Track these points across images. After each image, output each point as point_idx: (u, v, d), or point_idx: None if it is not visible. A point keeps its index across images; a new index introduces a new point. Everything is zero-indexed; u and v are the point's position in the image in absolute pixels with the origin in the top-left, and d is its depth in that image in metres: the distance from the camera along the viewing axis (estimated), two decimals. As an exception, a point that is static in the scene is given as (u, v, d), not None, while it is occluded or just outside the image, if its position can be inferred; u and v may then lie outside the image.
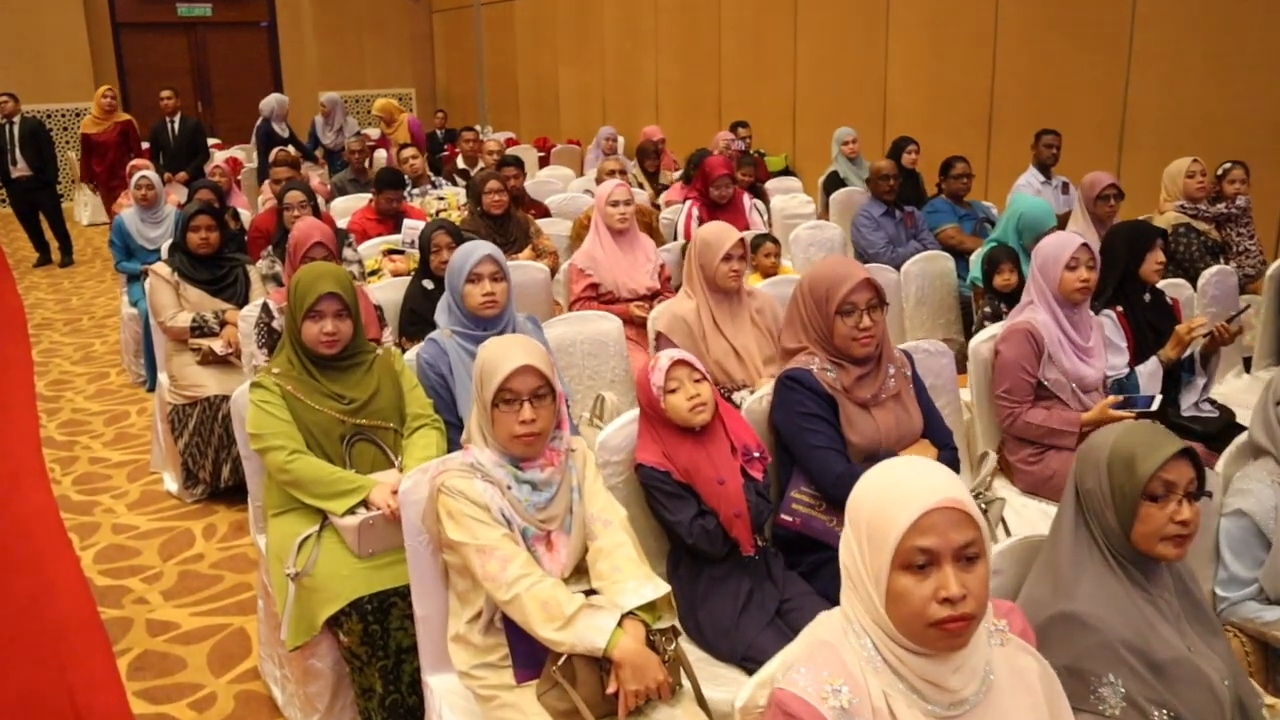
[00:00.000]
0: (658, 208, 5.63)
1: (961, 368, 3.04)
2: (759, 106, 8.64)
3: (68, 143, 11.41)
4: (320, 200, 4.84)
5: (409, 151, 6.02)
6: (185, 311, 3.83)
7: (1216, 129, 5.43)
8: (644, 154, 6.79)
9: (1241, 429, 2.39)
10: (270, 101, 8.27)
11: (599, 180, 5.00)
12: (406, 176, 5.65)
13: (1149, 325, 3.19)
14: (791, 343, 2.39)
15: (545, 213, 5.42)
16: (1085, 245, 2.86)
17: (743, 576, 2.12)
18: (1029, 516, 2.73)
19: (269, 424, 2.33)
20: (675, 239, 4.91)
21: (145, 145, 8.10)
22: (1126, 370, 3.08)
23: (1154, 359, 3.09)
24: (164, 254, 4.94)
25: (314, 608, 2.22)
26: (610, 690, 1.70)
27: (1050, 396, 2.82)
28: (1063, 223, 4.50)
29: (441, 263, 3.38)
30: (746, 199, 5.16)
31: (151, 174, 5.44)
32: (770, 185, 6.51)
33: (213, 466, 3.71)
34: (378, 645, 2.21)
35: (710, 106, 9.44)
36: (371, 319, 3.26)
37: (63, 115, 11.55)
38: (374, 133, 10.27)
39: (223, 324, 3.82)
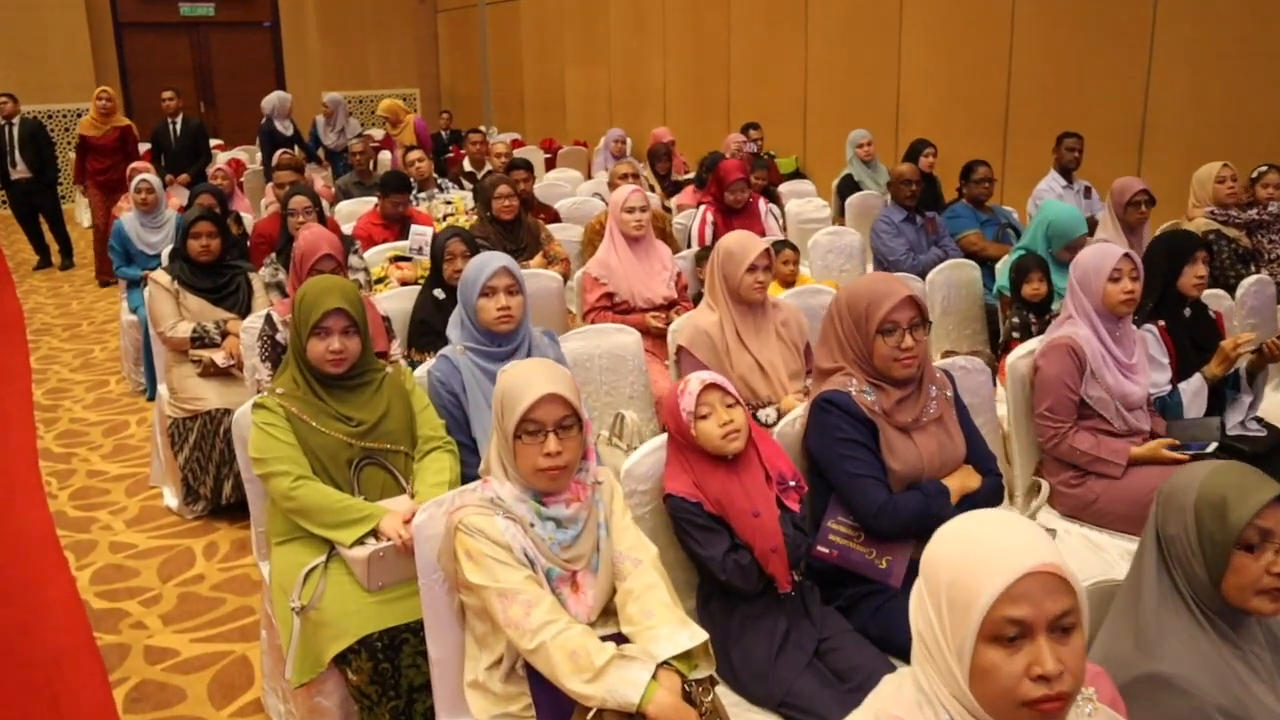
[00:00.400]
0: (668, 210, 5.50)
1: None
2: (769, 107, 8.49)
3: (69, 144, 11.26)
4: (325, 204, 4.70)
5: (415, 154, 5.88)
6: (185, 321, 3.70)
7: (1242, 131, 5.28)
8: (655, 156, 6.65)
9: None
10: (271, 99, 8.15)
11: (612, 185, 4.87)
12: (412, 180, 5.52)
13: (1190, 340, 3.06)
14: (827, 362, 2.26)
15: (555, 217, 5.29)
16: (1128, 255, 2.73)
17: (779, 614, 1.98)
18: (1072, 544, 2.60)
19: (272, 447, 2.20)
20: (689, 245, 4.78)
21: (146, 148, 7.97)
22: (1169, 388, 2.95)
23: (1198, 376, 2.95)
24: (164, 260, 4.82)
25: (320, 644, 2.08)
26: (643, 747, 1.57)
27: (1093, 415, 2.69)
28: (1089, 229, 4.36)
29: (455, 272, 3.25)
30: (762, 204, 5.02)
31: (152, 177, 5.31)
32: (783, 189, 6.37)
33: (214, 483, 3.58)
34: (388, 684, 2.07)
35: (719, 107, 9.29)
36: (379, 330, 3.13)
37: (64, 116, 11.43)
38: (377, 133, 10.15)
39: (224, 335, 3.69)
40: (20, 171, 7.85)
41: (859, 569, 2.12)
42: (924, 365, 2.20)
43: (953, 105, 6.96)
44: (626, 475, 2.03)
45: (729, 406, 1.99)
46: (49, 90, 11.09)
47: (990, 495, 2.23)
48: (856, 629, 2.06)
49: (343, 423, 2.27)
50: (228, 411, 3.55)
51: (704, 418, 1.98)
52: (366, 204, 5.81)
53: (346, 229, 4.74)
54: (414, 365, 3.24)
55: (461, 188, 6.08)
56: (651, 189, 6.40)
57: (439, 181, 5.96)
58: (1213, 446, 2.57)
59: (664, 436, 2.09)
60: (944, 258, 4.67)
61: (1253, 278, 3.78)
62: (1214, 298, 3.40)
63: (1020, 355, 2.85)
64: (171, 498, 3.78)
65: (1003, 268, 4.07)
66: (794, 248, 4.28)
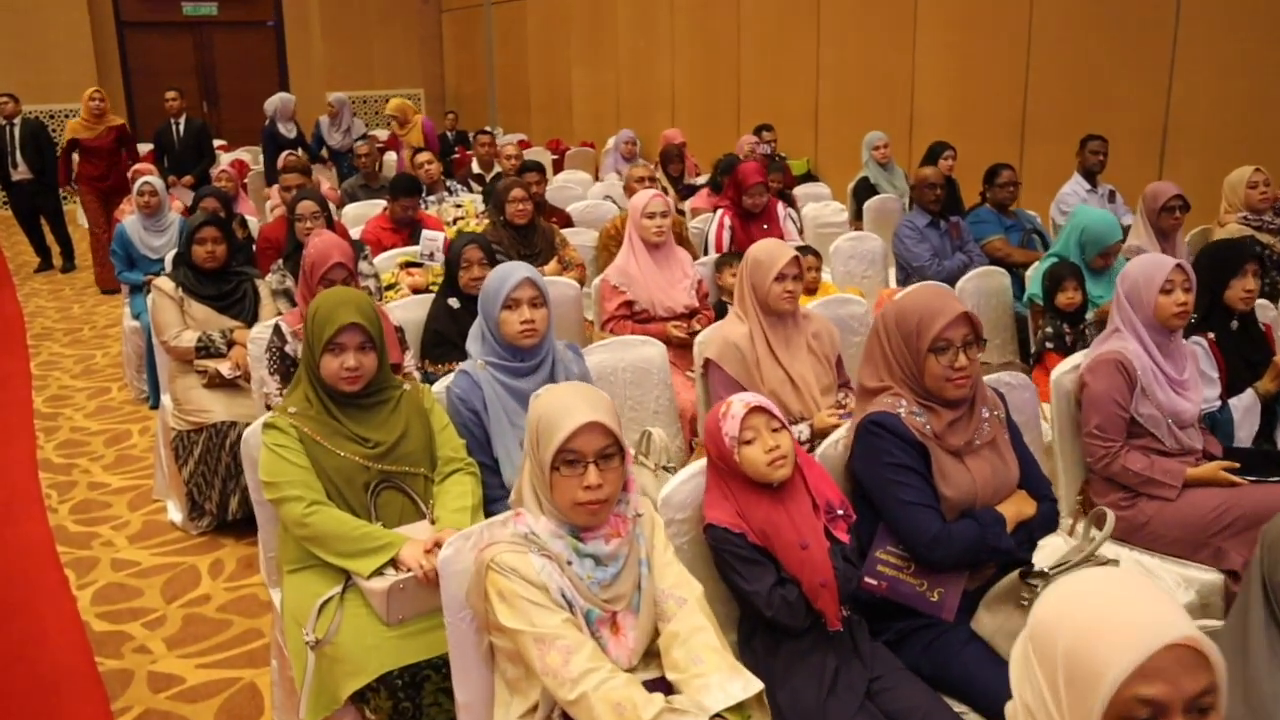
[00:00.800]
0: (681, 214, 5.37)
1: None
2: (779, 108, 8.36)
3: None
4: (332, 208, 4.57)
5: (424, 156, 5.76)
6: (190, 330, 3.58)
7: (1268, 134, 5.15)
8: (667, 158, 6.52)
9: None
10: (274, 101, 8.02)
11: (628, 188, 4.74)
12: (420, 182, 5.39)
13: (1239, 355, 2.93)
14: (872, 381, 2.13)
15: (567, 221, 5.17)
16: (1179, 266, 2.60)
17: (827, 652, 1.85)
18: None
19: (284, 470, 2.08)
20: (706, 250, 4.65)
21: (148, 148, 7.84)
22: (1219, 404, 2.82)
23: (1250, 392, 2.83)
24: (168, 265, 4.70)
25: (336, 680, 1.96)
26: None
27: (1144, 434, 2.56)
28: (1121, 235, 4.23)
29: (472, 279, 3.12)
30: (780, 208, 4.89)
31: (155, 180, 5.18)
32: (798, 192, 6.23)
33: (219, 497, 3.45)
34: (409, 723, 1.95)
35: (728, 108, 9.16)
36: (392, 341, 3.00)
37: (65, 116, 11.26)
38: (381, 134, 10.03)
39: (230, 344, 3.56)
40: (21, 172, 7.73)
41: (909, 602, 2.00)
42: (976, 385, 2.08)
43: (969, 106, 6.83)
44: (664, 504, 1.90)
45: (775, 431, 1.86)
46: (50, 90, 10.97)
47: (1046, 523, 2.11)
48: (907, 666, 1.94)
49: (359, 444, 2.15)
50: (234, 424, 3.43)
51: (748, 443, 1.85)
52: (373, 207, 5.69)
53: (354, 233, 4.62)
54: (428, 377, 3.13)
55: (470, 190, 5.96)
56: (664, 191, 6.27)
57: (447, 184, 5.84)
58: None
59: (702, 462, 1.96)
60: (969, 264, 4.55)
61: (1298, 287, 3.66)
62: (1261, 309, 3.27)
63: (1065, 370, 2.72)
64: (175, 512, 3.66)
65: (1034, 275, 3.94)
66: (816, 254, 4.16)
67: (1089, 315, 3.66)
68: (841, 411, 2.78)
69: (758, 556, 1.84)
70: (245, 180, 7.25)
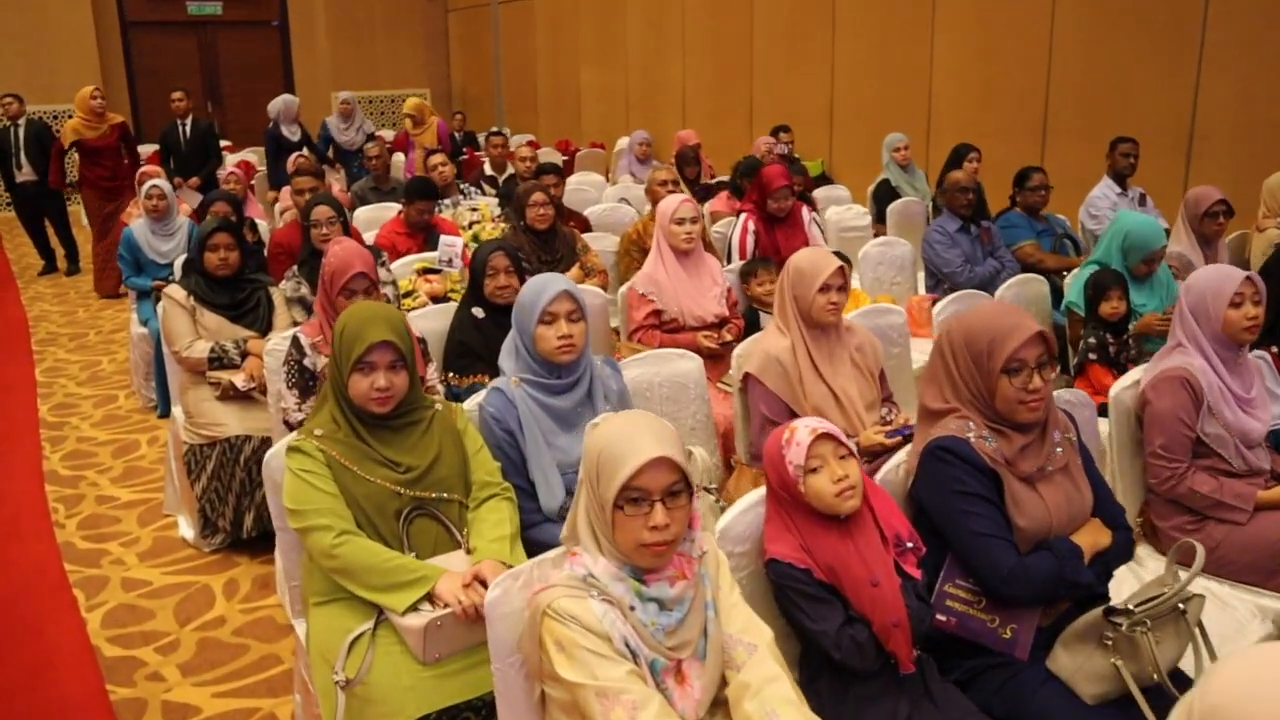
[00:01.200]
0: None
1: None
2: (793, 108, 8.22)
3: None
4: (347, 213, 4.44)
5: (438, 158, 5.62)
6: (202, 340, 3.45)
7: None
8: (683, 161, 6.38)
9: None
10: (278, 103, 7.91)
11: (650, 192, 4.61)
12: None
13: (1302, 367, 2.81)
14: (936, 403, 2.00)
15: (586, 225, 5.04)
16: (1250, 278, 2.47)
17: (899, 696, 1.73)
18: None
19: (311, 498, 1.95)
20: (729, 256, 4.52)
21: (152, 149, 7.71)
22: (1285, 421, 2.69)
23: (1317, 408, 2.70)
24: (177, 270, 4.57)
25: (368, 723, 1.83)
26: None
27: (1210, 454, 2.44)
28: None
29: (498, 288, 3.00)
30: (805, 212, 4.76)
31: (163, 183, 5.06)
32: (816, 195, 6.10)
33: (233, 514, 3.32)
34: (446, 769, 1.82)
35: (741, 109, 9.03)
36: (416, 354, 2.87)
37: (69, 117, 11.15)
38: (387, 134, 9.90)
39: (244, 355, 3.44)
40: (26, 174, 7.62)
41: (980, 639, 1.87)
42: (1049, 407, 1.95)
43: (988, 106, 6.69)
44: (721, 536, 1.77)
45: (842, 459, 1.74)
46: (54, 90, 10.83)
47: (1122, 553, 1.98)
48: (979, 707, 1.81)
49: (390, 469, 2.02)
50: (248, 438, 3.31)
51: (814, 471, 1.72)
52: (385, 210, 5.57)
53: (367, 238, 4.49)
54: (452, 390, 3.00)
55: (483, 193, 5.83)
56: (679, 194, 6.14)
57: (461, 187, 5.71)
58: None
59: (761, 491, 1.84)
60: (1000, 270, 4.43)
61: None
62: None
63: (1125, 386, 2.60)
64: (187, 528, 3.53)
65: (1073, 283, 3.81)
66: (847, 260, 4.02)
67: (1131, 325, 3.54)
68: (889, 429, 2.66)
69: (824, 594, 1.71)
70: (252, 182, 7.13)
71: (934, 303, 4.40)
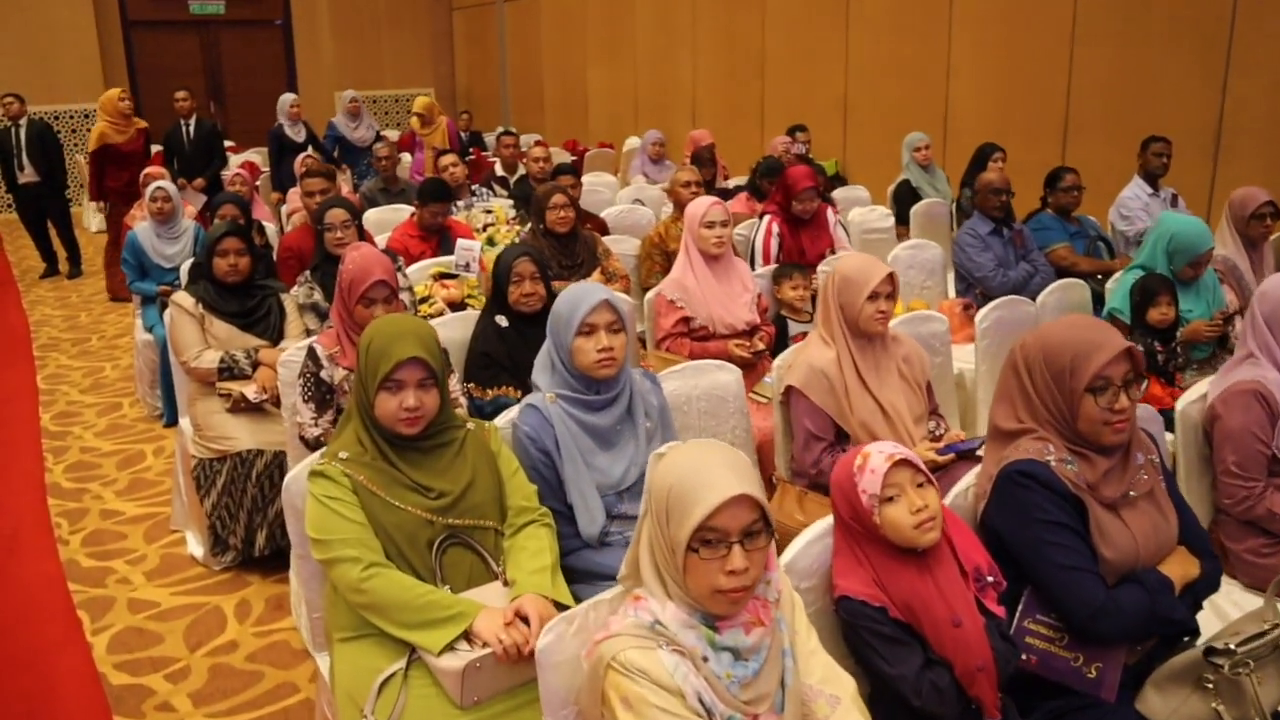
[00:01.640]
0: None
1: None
2: (806, 107, 8.07)
3: (76, 145, 10.90)
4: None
5: (449, 158, 5.48)
6: (211, 350, 3.30)
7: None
8: (698, 162, 6.24)
9: None
10: (281, 103, 7.78)
11: (673, 193, 4.47)
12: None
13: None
14: (1009, 423, 1.86)
15: (603, 228, 4.89)
16: (1329, 285, 2.33)
17: (981, 745, 1.59)
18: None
19: (337, 527, 1.80)
20: (753, 260, 4.37)
21: (156, 149, 7.57)
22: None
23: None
24: (183, 275, 4.43)
25: (400, 771, 1.69)
26: None
27: (1284, 472, 2.29)
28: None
29: (523, 295, 2.86)
30: (830, 214, 4.62)
31: (168, 185, 4.91)
32: (836, 196, 5.95)
33: (245, 532, 3.18)
34: (485, 822, 1.68)
35: (752, 108, 8.88)
36: (437, 365, 2.73)
37: (70, 117, 11.04)
38: (392, 134, 9.76)
39: (255, 365, 3.29)
40: (28, 175, 7.48)
41: (1063, 678, 1.73)
42: (1132, 427, 1.81)
43: (1008, 105, 6.54)
44: (785, 570, 1.63)
45: (920, 487, 1.59)
46: (55, 91, 10.70)
47: (1211, 584, 1.84)
48: (1062, 756, 1.67)
49: (421, 494, 1.87)
50: (260, 452, 3.17)
51: (890, 501, 1.58)
52: (395, 212, 5.43)
53: (378, 241, 4.34)
54: (474, 403, 2.86)
55: (495, 194, 5.69)
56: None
57: (473, 188, 5.56)
58: None
59: (828, 521, 1.69)
60: (1033, 274, 4.28)
61: None
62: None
63: (1191, 400, 2.45)
64: (196, 545, 3.39)
65: (1115, 288, 3.66)
66: (878, 264, 3.88)
67: (1178, 332, 3.40)
68: (940, 445, 2.52)
69: (902, 635, 1.57)
70: (257, 184, 6.99)
71: (965, 307, 4.27)
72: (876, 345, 2.58)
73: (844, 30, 7.78)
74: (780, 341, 3.64)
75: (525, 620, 1.72)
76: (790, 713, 1.36)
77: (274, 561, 3.21)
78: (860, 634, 1.58)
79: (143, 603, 3.12)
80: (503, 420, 2.20)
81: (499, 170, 6.50)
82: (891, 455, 1.59)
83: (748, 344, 3.31)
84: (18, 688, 2.66)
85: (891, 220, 5.41)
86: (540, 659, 1.43)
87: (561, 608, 1.81)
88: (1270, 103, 5.14)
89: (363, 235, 3.71)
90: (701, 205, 3.40)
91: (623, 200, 6.08)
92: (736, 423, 2.65)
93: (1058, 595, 1.70)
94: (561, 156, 8.69)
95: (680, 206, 4.32)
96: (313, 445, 2.71)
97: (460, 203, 5.08)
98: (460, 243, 3.96)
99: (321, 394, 2.70)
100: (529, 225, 4.57)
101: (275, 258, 4.39)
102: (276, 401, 3.12)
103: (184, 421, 3.46)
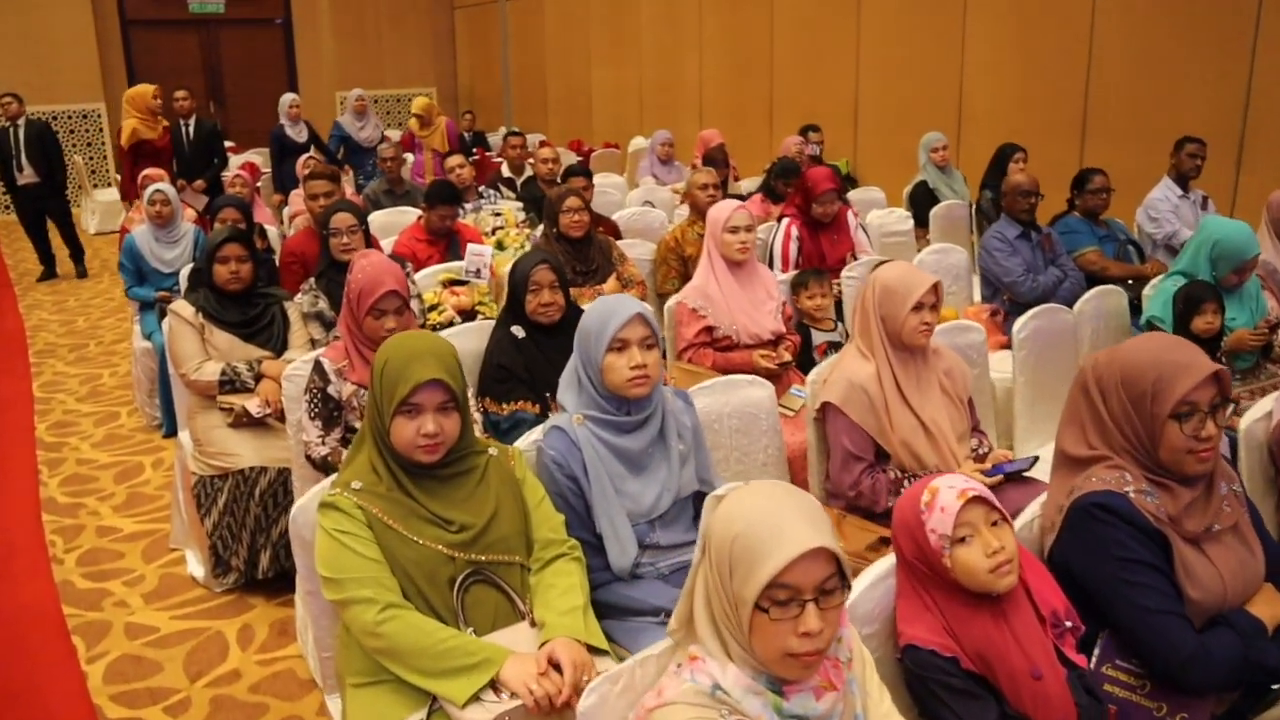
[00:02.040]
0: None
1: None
2: (816, 107, 7.92)
3: (73, 146, 10.75)
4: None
5: (455, 160, 5.34)
6: (212, 361, 3.15)
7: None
8: (711, 163, 6.08)
9: None
10: (281, 103, 7.63)
11: (690, 195, 4.31)
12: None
13: None
14: (1079, 449, 1.71)
15: (615, 231, 4.74)
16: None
17: (1062, 810, 1.44)
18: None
19: (349, 564, 1.65)
20: (771, 264, 4.23)
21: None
22: None
23: None
24: (182, 280, 4.28)
25: (421, 830, 1.54)
26: None
27: (1360, 496, 2.15)
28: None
29: (541, 305, 2.71)
30: (851, 216, 4.47)
31: (166, 187, 4.75)
32: (851, 197, 5.80)
33: (248, 553, 3.03)
34: None
35: (760, 107, 8.73)
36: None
37: (69, 117, 10.89)
38: (394, 134, 9.61)
39: (258, 377, 3.14)
40: (27, 176, 7.36)
41: (1144, 732, 1.58)
42: (1216, 455, 1.66)
43: (1024, 104, 6.38)
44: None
45: (994, 525, 1.45)
46: (53, 90, 10.55)
47: (1300, 625, 1.69)
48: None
49: (441, 528, 1.73)
50: (264, 469, 3.02)
51: (963, 542, 1.43)
52: (400, 214, 5.29)
53: (384, 245, 4.19)
54: (490, 418, 2.71)
55: (502, 196, 5.54)
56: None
57: (480, 190, 5.42)
58: None
59: (890, 561, 1.54)
60: (1063, 279, 4.14)
61: None
62: None
63: (1255, 419, 2.31)
64: (196, 565, 3.24)
65: (1153, 295, 3.52)
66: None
67: (1223, 341, 3.25)
68: (987, 466, 2.38)
69: (976, 688, 1.42)
70: (258, 185, 6.84)
71: (993, 313, 4.13)
72: (918, 358, 2.43)
73: (855, 26, 7.63)
74: (804, 351, 3.50)
75: (558, 668, 1.57)
76: (865, 786, 1.22)
77: (278, 583, 3.07)
78: (929, 687, 1.44)
79: (141, 627, 2.97)
80: (525, 442, 2.06)
81: (505, 171, 6.36)
82: (964, 491, 1.44)
83: (773, 354, 3.16)
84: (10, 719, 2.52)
85: (911, 223, 5.27)
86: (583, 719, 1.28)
87: (595, 651, 1.67)
88: (1297, 100, 5.00)
89: (369, 240, 3.56)
90: (725, 210, 3.25)
91: (632, 202, 5.94)
92: (769, 441, 2.50)
93: (1142, 641, 1.55)
94: (567, 157, 8.55)
95: (697, 209, 4.18)
96: (320, 465, 2.57)
97: (468, 205, 4.93)
98: (471, 248, 3.81)
99: (329, 410, 2.55)
100: (539, 228, 4.43)
101: (277, 263, 4.25)
102: (280, 416, 2.98)
103: (184, 435, 3.31)
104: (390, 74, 13.28)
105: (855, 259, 4.24)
